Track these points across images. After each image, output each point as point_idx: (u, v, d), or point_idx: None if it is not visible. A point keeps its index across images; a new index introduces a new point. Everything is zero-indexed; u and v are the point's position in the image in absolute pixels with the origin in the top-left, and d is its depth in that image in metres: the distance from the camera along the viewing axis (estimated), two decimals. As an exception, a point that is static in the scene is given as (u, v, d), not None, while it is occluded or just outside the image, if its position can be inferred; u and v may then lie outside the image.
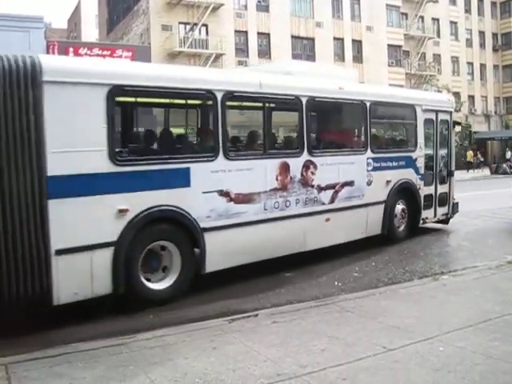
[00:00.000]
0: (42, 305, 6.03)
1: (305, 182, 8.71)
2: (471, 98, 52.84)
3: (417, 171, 11.23)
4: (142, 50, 30.46)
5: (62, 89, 6.02)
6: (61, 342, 5.41)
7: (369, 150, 10.00)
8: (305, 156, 8.73)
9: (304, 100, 8.71)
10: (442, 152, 12.23)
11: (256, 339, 5.34)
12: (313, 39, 39.45)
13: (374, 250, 10.04)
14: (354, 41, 41.85)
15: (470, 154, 42.45)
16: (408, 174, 11.01)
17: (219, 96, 7.48)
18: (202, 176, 7.27)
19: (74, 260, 6.09)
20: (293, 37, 38.35)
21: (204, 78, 7.75)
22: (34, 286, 5.79)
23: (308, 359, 4.78)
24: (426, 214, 11.66)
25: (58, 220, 5.90)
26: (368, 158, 9.99)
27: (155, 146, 7.70)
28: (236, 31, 35.99)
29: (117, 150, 6.57)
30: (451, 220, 12.58)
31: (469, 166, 41.30)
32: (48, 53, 25.98)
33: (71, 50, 28.00)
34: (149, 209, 6.70)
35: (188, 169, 7.14)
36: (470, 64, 53.76)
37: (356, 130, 10.79)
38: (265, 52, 37.04)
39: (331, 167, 9.23)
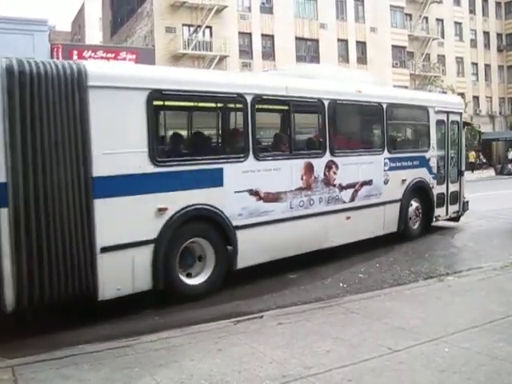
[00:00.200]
0: (88, 300, 6.29)
1: (327, 182, 9.08)
2: (476, 98, 52.69)
3: (430, 170, 11.59)
4: (146, 53, 30.51)
5: (105, 93, 6.32)
6: (67, 344, 5.44)
7: (386, 151, 10.39)
8: (327, 156, 9.08)
9: (326, 103, 9.07)
10: (453, 152, 12.55)
11: (261, 341, 5.35)
12: (317, 41, 39.44)
13: (379, 251, 10.03)
14: (358, 42, 41.83)
15: (472, 154, 42.33)
16: (422, 173, 11.37)
17: (249, 99, 7.85)
18: (233, 176, 7.62)
19: (117, 257, 6.38)
20: (297, 38, 38.35)
21: (235, 82, 8.25)
22: (81, 282, 6.07)
23: (313, 360, 4.78)
24: (439, 211, 12.01)
25: (103, 219, 6.20)
26: (385, 158, 10.38)
27: (191, 147, 8.12)
28: (240, 33, 36.03)
29: (156, 151, 6.84)
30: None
31: (472, 166, 41.19)
32: (52, 56, 26.07)
33: (75, 52, 28.09)
34: (185, 207, 7.03)
35: (221, 169, 7.49)
36: (475, 64, 53.66)
37: (374, 131, 11.12)
38: (269, 54, 37.06)
39: (351, 167, 9.61)
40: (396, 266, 8.98)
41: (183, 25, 33.87)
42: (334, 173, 9.17)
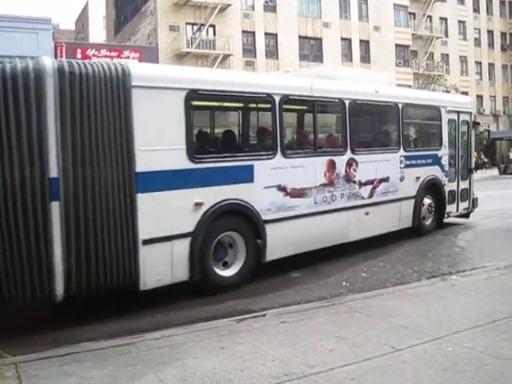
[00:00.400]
0: (131, 290, 6.55)
1: (348, 178, 9.44)
2: (479, 97, 52.51)
3: (442, 168, 11.95)
4: (150, 51, 30.49)
5: (147, 93, 6.62)
6: (70, 341, 5.44)
7: (401, 149, 10.78)
8: (348, 154, 9.44)
9: (347, 102, 9.43)
10: (463, 150, 12.93)
11: (264, 339, 5.35)
12: (320, 39, 39.38)
13: (382, 250, 10.03)
14: (361, 41, 41.72)
15: (474, 154, 42.14)
16: (434, 171, 11.75)
17: (277, 99, 8.19)
18: (263, 172, 7.96)
19: (157, 249, 6.70)
20: (300, 37, 38.31)
21: (264, 83, 8.66)
22: (125, 272, 6.37)
23: (316, 359, 4.78)
24: (450, 208, 12.40)
25: (145, 212, 6.51)
26: (401, 156, 10.74)
27: (224, 145, 8.52)
28: (243, 32, 35.99)
29: (193, 148, 7.18)
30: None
31: (475, 166, 41.04)
32: (56, 54, 26.08)
33: (79, 51, 28.12)
34: (220, 202, 7.38)
35: (252, 166, 7.84)
36: (479, 63, 53.51)
37: (390, 130, 11.41)
38: (272, 52, 37.05)
39: (370, 164, 9.98)
40: (399, 265, 8.97)
41: (187, 23, 33.86)
42: (354, 170, 9.53)
